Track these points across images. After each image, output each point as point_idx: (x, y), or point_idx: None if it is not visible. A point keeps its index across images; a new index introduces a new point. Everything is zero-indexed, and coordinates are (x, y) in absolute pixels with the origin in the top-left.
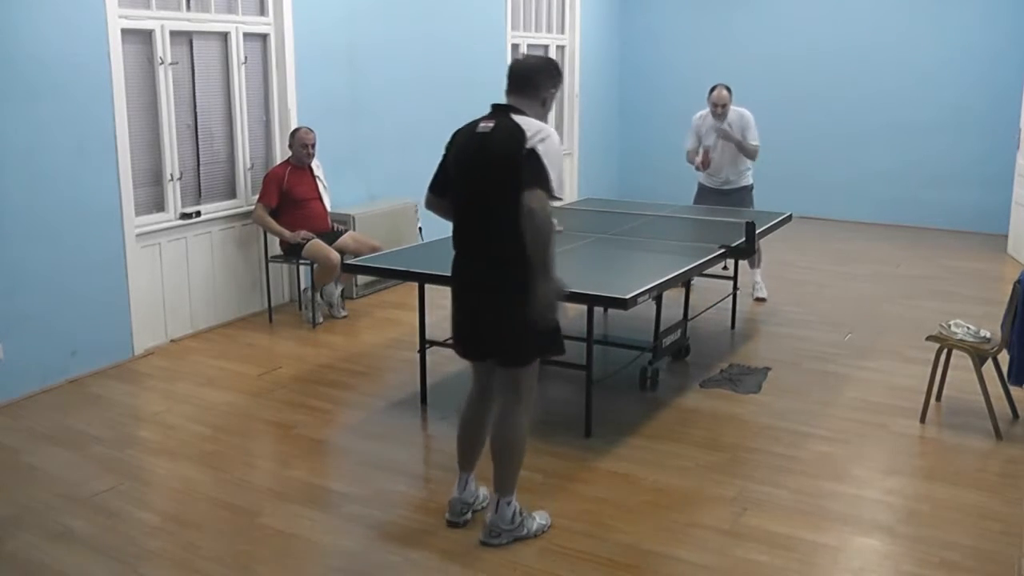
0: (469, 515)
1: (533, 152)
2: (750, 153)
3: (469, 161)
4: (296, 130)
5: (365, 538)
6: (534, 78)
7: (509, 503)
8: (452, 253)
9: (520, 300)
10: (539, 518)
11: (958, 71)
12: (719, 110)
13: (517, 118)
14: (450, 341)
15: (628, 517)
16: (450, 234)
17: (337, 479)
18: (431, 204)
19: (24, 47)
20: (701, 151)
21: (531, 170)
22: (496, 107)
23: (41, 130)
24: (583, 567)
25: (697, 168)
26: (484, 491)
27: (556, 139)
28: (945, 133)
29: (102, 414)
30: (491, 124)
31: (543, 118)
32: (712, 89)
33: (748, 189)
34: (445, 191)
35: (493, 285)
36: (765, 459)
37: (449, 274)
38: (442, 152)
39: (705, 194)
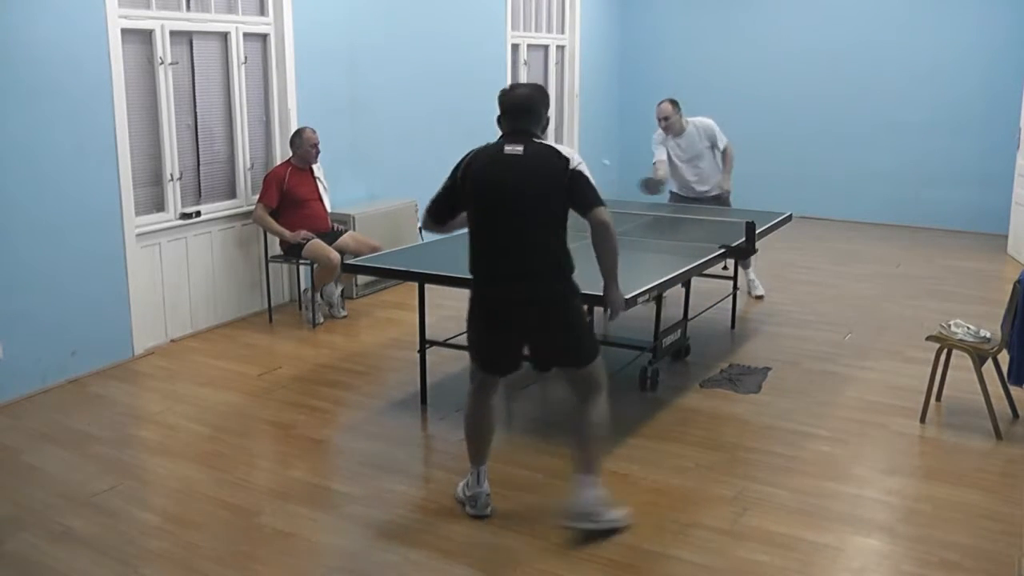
0: (491, 507)
1: (581, 173)
2: (731, 161)
3: (508, 183)
4: (301, 130)
5: (365, 538)
6: (535, 107)
7: (598, 484)
8: (479, 274)
9: (578, 306)
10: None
11: (958, 71)
12: (663, 124)
13: (545, 141)
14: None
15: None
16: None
17: (337, 479)
18: (431, 228)
19: (24, 47)
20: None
21: (586, 189)
22: (512, 133)
23: (41, 130)
24: (583, 567)
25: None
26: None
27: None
28: (945, 133)
29: (102, 414)
30: (519, 148)
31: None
32: (658, 104)
33: (727, 194)
34: (452, 216)
35: (553, 298)
36: (765, 459)
37: (471, 295)
38: (448, 177)
39: (681, 201)
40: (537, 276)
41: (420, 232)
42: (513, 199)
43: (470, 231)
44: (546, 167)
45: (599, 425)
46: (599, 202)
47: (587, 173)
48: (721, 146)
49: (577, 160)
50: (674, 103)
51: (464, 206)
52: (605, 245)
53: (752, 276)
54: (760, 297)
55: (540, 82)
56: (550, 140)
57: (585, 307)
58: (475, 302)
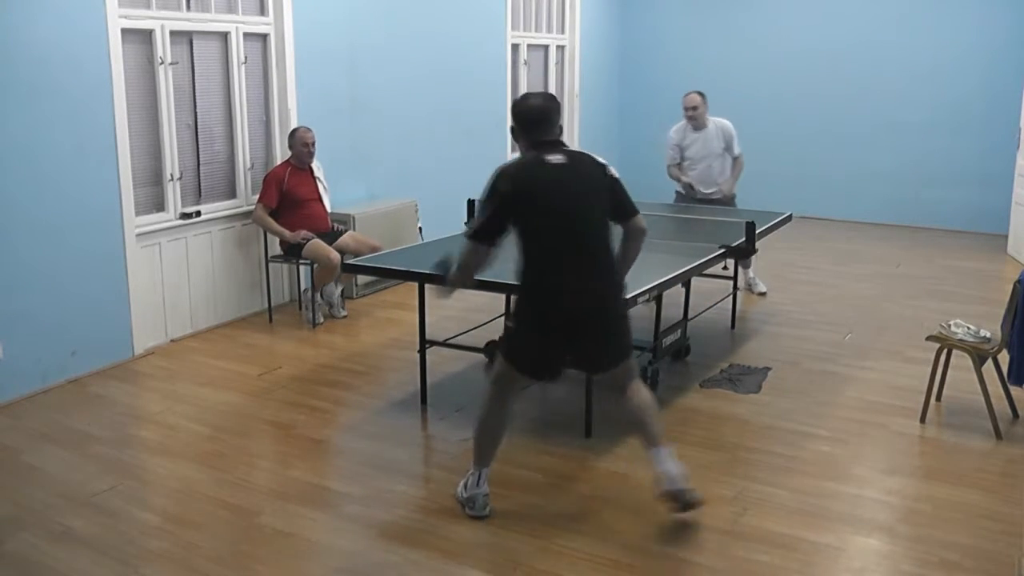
0: (490, 506)
1: (618, 179)
2: (740, 169)
3: (565, 192)
4: (295, 130)
5: (365, 538)
6: (555, 116)
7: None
8: (539, 286)
9: (626, 310)
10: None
11: (958, 70)
12: (690, 113)
13: (576, 148)
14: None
15: (628, 517)
16: (447, 234)
17: (337, 479)
18: (483, 255)
19: (24, 47)
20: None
21: (625, 195)
22: (545, 143)
23: (41, 130)
24: (583, 567)
25: (687, 188)
26: None
27: None
28: (945, 133)
29: (102, 414)
30: (560, 157)
31: None
32: (685, 94)
33: (732, 198)
34: (499, 239)
35: (616, 303)
36: (765, 459)
37: (529, 306)
38: (492, 198)
39: (683, 202)
40: (606, 281)
41: (420, 232)
42: (575, 208)
43: (527, 248)
44: (591, 173)
45: (651, 399)
46: (636, 208)
47: (618, 176)
48: (735, 152)
49: (611, 166)
50: (702, 95)
51: (515, 224)
52: (636, 250)
53: (752, 275)
54: (763, 294)
55: (540, 82)
56: (574, 145)
57: None
58: (538, 316)
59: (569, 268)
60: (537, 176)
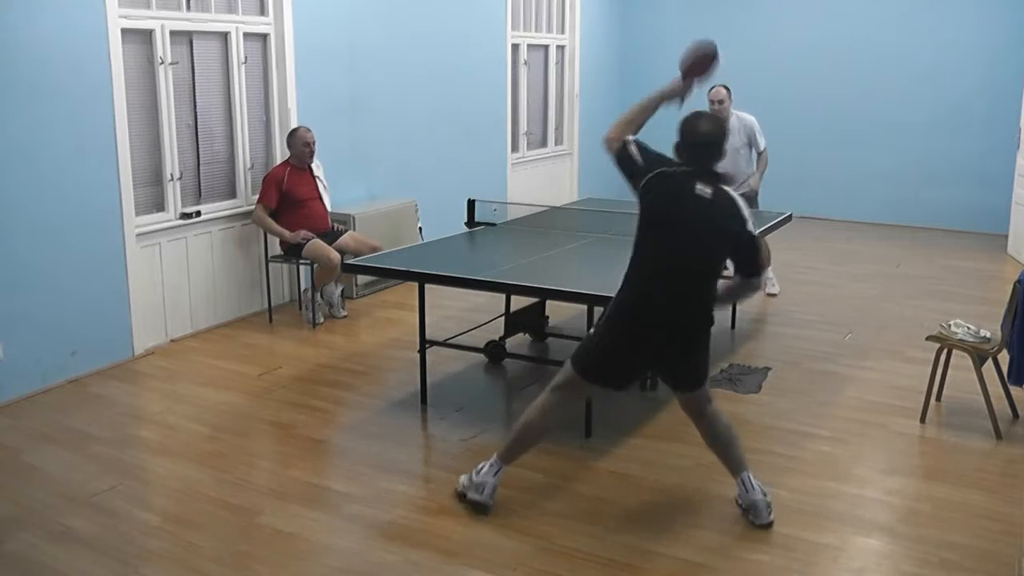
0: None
1: (753, 237)
2: (765, 165)
3: (687, 228)
4: (295, 130)
5: (365, 538)
6: (722, 146)
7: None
8: (635, 293)
9: (707, 347)
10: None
11: (958, 70)
12: (715, 107)
13: (728, 190)
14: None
15: (628, 517)
16: (448, 234)
17: (337, 479)
18: (620, 134)
19: (24, 47)
20: None
21: (753, 254)
22: (702, 172)
23: (41, 130)
24: (583, 567)
25: None
26: None
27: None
28: (945, 132)
29: (102, 414)
30: (709, 191)
31: None
32: (710, 88)
33: (755, 193)
34: (637, 161)
35: (696, 335)
36: (765, 459)
37: (619, 307)
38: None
39: None
40: (687, 317)
41: (420, 232)
42: (685, 247)
43: (637, 251)
44: (729, 224)
45: (729, 426)
46: (759, 269)
47: (756, 233)
48: (759, 147)
49: (751, 220)
50: (728, 88)
51: (638, 219)
52: (740, 297)
53: (769, 274)
54: (772, 295)
55: (540, 82)
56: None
57: (584, 306)
58: (625, 323)
59: (656, 293)
60: (674, 197)
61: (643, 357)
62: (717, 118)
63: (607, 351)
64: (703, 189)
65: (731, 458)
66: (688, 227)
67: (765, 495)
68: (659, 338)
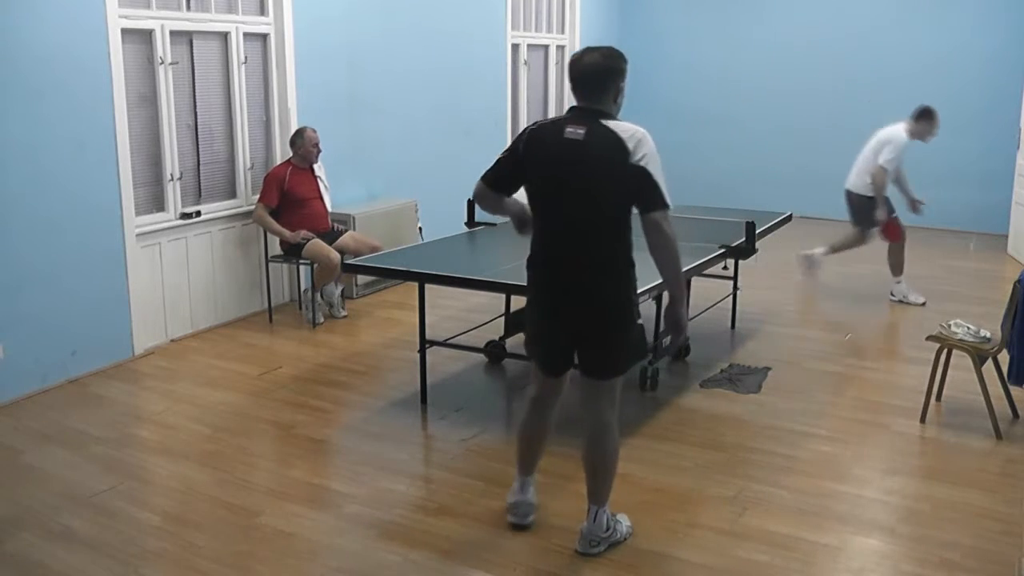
0: (532, 517)
1: (642, 169)
2: (873, 181)
3: (563, 171)
4: (302, 130)
5: (365, 538)
6: (605, 79)
7: (605, 512)
8: (534, 261)
9: (624, 314)
10: (623, 520)
11: (958, 70)
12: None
13: (609, 124)
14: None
15: (628, 517)
16: (448, 234)
17: (337, 479)
18: (482, 196)
19: (25, 46)
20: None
21: (646, 188)
22: (578, 110)
23: (42, 129)
24: (583, 567)
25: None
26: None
27: (652, 142)
28: (944, 132)
29: (102, 414)
30: (581, 131)
31: (618, 113)
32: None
33: (866, 200)
34: (504, 187)
35: (596, 297)
36: (765, 459)
37: (526, 282)
38: (508, 147)
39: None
40: (586, 271)
41: (420, 232)
42: (566, 196)
43: (531, 210)
44: (608, 161)
45: (612, 455)
46: (656, 204)
47: (651, 168)
48: (879, 160)
49: (642, 151)
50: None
51: (524, 183)
52: (657, 253)
53: (902, 284)
54: (897, 300)
55: (540, 82)
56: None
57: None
58: (530, 284)
59: (555, 247)
60: (541, 144)
61: (550, 321)
62: (604, 48)
63: (528, 322)
64: (574, 131)
65: (600, 485)
66: (561, 174)
67: (608, 532)
68: (559, 298)
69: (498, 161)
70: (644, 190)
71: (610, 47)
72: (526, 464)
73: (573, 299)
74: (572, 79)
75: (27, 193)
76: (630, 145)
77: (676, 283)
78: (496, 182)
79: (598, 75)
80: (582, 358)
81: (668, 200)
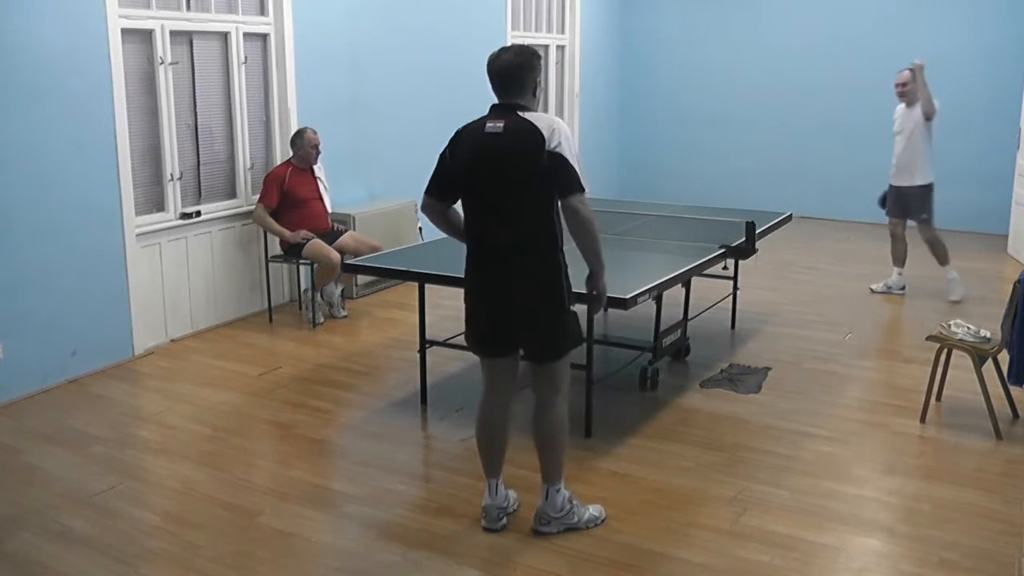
0: (505, 520)
1: (558, 156)
2: (928, 110)
3: (485, 163)
4: (302, 131)
5: (365, 538)
6: (519, 74)
7: (558, 490)
8: (468, 252)
9: (552, 295)
10: (592, 510)
11: (957, 70)
12: (899, 89)
13: (526, 116)
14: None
15: (628, 517)
16: (445, 234)
17: (337, 479)
18: (429, 208)
19: (25, 47)
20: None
21: (562, 174)
22: (498, 106)
23: (42, 130)
24: (583, 567)
25: None
26: (513, 493)
27: (567, 130)
28: (944, 132)
29: (102, 414)
30: (500, 124)
31: (538, 107)
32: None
33: (923, 190)
34: (446, 194)
35: (526, 284)
36: (765, 459)
37: (463, 274)
38: (439, 153)
39: (889, 195)
40: (513, 259)
41: (420, 232)
42: (492, 182)
43: (462, 204)
44: (525, 149)
45: (558, 432)
46: (573, 188)
47: (566, 153)
48: (934, 103)
49: (557, 139)
50: (912, 70)
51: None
52: (577, 236)
53: (954, 274)
54: (956, 302)
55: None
56: (539, 111)
57: (583, 305)
58: (466, 274)
59: (482, 238)
60: (467, 143)
61: (500, 314)
62: (517, 46)
63: (472, 319)
64: (494, 125)
65: (546, 462)
66: (484, 166)
67: (561, 513)
68: (489, 281)
69: (435, 170)
70: (560, 176)
71: (523, 45)
72: (490, 466)
73: (502, 279)
74: (490, 78)
75: (27, 193)
76: (546, 134)
77: (596, 259)
78: (438, 190)
79: (513, 72)
80: (521, 342)
81: (584, 183)
